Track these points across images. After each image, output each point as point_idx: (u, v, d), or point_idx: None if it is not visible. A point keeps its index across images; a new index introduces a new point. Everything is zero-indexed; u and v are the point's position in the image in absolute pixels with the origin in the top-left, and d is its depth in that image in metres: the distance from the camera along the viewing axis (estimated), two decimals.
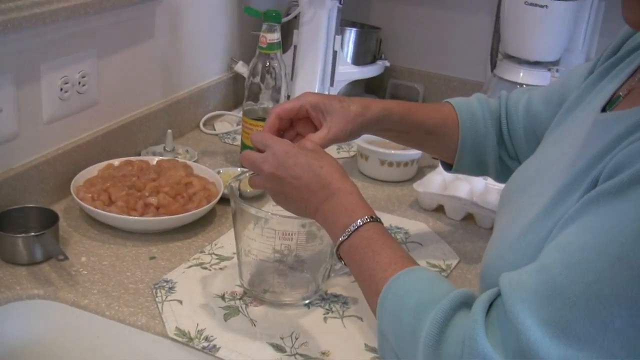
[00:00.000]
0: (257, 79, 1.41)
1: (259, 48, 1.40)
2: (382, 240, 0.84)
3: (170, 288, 1.05)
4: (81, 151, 1.31)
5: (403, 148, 1.43)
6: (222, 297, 1.05)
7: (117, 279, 1.07)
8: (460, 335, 0.69)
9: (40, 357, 1.06)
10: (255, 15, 1.49)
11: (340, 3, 1.60)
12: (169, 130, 1.46)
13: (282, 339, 0.97)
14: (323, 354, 0.95)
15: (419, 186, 1.37)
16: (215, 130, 1.66)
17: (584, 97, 0.91)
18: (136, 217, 1.17)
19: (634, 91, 0.80)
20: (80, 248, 1.15)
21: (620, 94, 0.81)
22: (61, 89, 1.24)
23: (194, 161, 1.42)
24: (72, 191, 1.21)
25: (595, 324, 0.63)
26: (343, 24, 1.73)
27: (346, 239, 0.85)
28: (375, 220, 0.86)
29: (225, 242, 1.19)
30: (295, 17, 1.62)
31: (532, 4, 1.56)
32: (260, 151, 0.94)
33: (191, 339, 0.95)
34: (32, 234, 1.08)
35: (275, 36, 1.39)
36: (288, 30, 1.67)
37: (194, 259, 1.14)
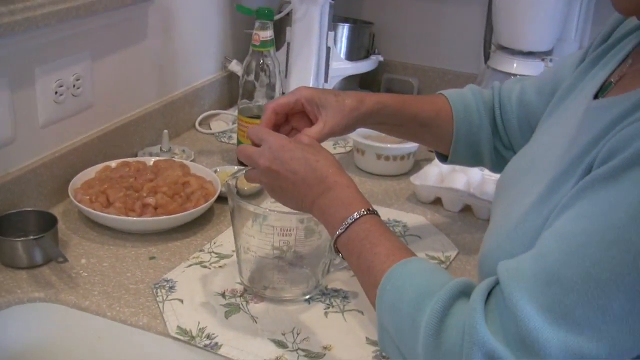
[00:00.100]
0: (251, 77, 1.41)
1: (252, 46, 1.41)
2: (379, 232, 0.84)
3: (171, 287, 1.06)
4: (78, 154, 1.31)
5: (399, 142, 1.44)
6: (223, 294, 1.05)
7: (117, 279, 1.08)
8: (460, 324, 0.69)
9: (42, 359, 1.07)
10: (247, 13, 1.49)
11: None
12: (165, 131, 1.46)
13: (283, 334, 0.97)
14: (325, 348, 0.96)
15: (415, 179, 1.37)
16: (211, 129, 1.66)
17: (576, 85, 0.91)
18: (135, 218, 1.18)
19: (626, 77, 0.80)
20: (80, 250, 1.15)
21: (612, 80, 0.82)
22: (56, 92, 1.24)
23: (191, 161, 1.42)
24: (70, 194, 1.21)
25: (594, 308, 0.63)
26: (335, 19, 1.73)
27: (343, 231, 0.86)
28: (372, 212, 0.87)
29: (224, 240, 1.19)
30: (288, 14, 1.62)
31: None
32: (257, 145, 0.94)
33: (193, 338, 0.96)
34: (32, 237, 1.09)
35: (268, 34, 1.40)
36: (281, 28, 1.67)
37: (194, 257, 1.14)
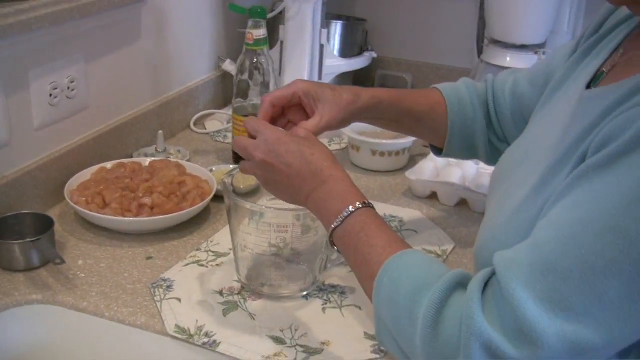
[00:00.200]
0: (245, 76, 1.41)
1: (246, 44, 1.41)
2: (375, 225, 0.84)
3: (168, 286, 1.06)
4: (73, 155, 1.31)
5: (394, 137, 1.44)
6: (220, 292, 1.05)
7: (114, 280, 1.08)
8: (457, 315, 0.69)
9: None
10: (240, 12, 1.49)
11: None
12: (160, 131, 1.46)
13: (281, 331, 0.98)
14: (323, 343, 0.96)
15: (411, 174, 1.37)
16: (205, 129, 1.66)
17: (569, 75, 0.92)
18: (131, 218, 1.18)
19: (617, 66, 0.80)
20: (77, 251, 1.15)
21: (604, 69, 0.82)
22: (50, 95, 1.24)
23: (186, 160, 1.42)
24: (66, 195, 1.21)
25: (590, 296, 0.64)
26: (328, 17, 1.73)
27: (339, 224, 0.85)
28: (368, 205, 0.87)
29: (221, 239, 1.19)
30: (281, 12, 1.62)
31: None
32: (253, 137, 0.94)
33: (191, 336, 0.96)
34: (28, 239, 1.09)
35: (261, 32, 1.40)
36: (274, 26, 1.67)
37: (191, 256, 1.14)
